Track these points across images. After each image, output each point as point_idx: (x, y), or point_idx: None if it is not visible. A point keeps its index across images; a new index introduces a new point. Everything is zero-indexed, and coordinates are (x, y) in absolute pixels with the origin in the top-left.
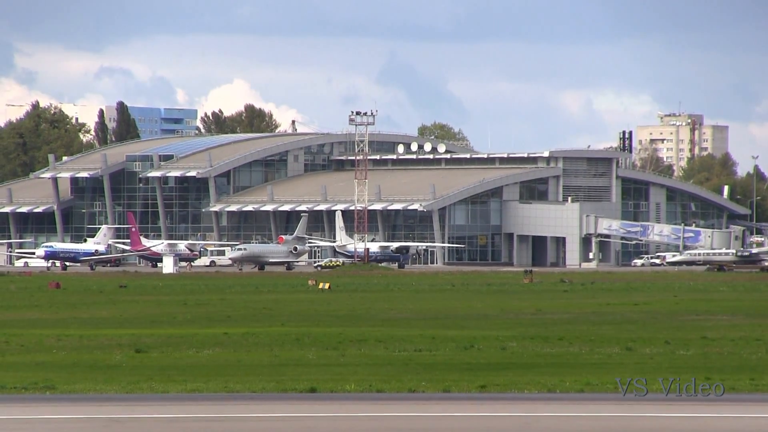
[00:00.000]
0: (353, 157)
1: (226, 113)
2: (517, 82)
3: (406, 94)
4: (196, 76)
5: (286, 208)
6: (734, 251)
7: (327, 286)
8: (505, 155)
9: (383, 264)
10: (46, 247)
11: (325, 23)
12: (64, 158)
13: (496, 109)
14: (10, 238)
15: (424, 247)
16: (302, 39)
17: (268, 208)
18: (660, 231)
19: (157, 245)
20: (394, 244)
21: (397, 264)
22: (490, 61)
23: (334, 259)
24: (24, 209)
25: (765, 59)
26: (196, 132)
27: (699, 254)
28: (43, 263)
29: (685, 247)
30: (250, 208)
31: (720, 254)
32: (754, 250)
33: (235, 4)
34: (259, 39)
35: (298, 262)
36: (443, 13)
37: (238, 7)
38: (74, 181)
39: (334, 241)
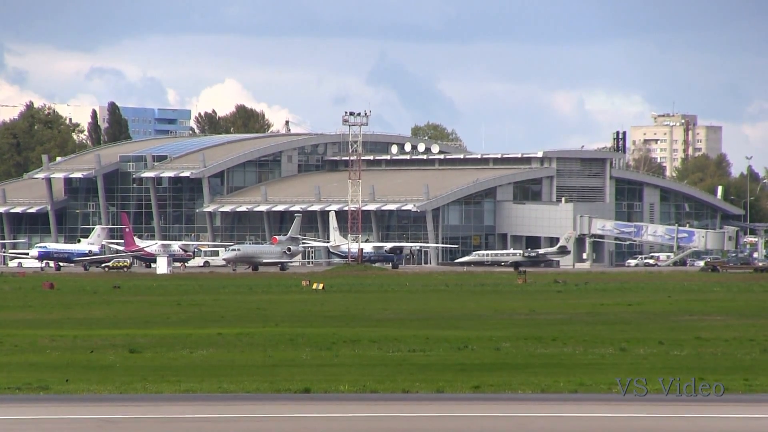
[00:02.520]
0: (347, 158)
1: (218, 113)
2: (509, 82)
3: (397, 94)
4: (187, 76)
5: (280, 208)
6: (521, 252)
7: (321, 286)
8: (499, 156)
9: (377, 264)
10: (40, 247)
11: (316, 23)
12: (58, 159)
13: (488, 109)
14: (4, 239)
15: (418, 248)
16: (293, 39)
17: (262, 208)
18: (654, 231)
19: (151, 246)
20: (388, 245)
21: (390, 264)
22: (482, 62)
23: (121, 260)
24: (18, 210)
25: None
26: (190, 132)
27: (487, 254)
28: (36, 264)
29: (679, 248)
30: (243, 208)
31: (508, 255)
32: (542, 251)
33: (225, 4)
34: (250, 39)
35: (291, 262)
36: (434, 13)
37: (229, 8)
38: (68, 181)
39: (328, 242)
